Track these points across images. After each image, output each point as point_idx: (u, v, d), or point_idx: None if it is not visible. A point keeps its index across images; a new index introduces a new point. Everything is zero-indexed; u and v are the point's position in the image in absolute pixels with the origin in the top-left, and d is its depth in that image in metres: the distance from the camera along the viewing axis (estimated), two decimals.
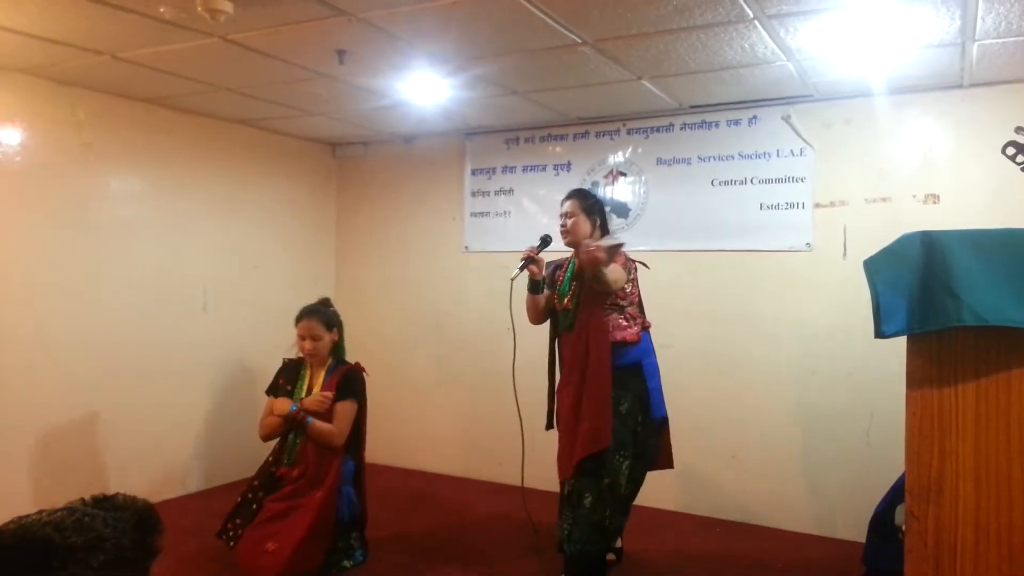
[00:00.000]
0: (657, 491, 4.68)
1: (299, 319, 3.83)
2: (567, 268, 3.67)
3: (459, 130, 5.32)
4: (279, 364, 3.96)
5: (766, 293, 4.42)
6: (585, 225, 3.62)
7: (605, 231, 3.70)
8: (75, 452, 4.23)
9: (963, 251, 1.81)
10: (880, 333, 1.89)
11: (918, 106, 4.07)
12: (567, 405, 3.51)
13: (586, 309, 3.50)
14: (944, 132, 4.03)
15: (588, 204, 3.65)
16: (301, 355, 3.85)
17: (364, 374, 3.86)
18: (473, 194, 5.40)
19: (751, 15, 3.06)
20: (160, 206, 4.67)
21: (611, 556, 3.71)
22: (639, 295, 3.63)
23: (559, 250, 3.72)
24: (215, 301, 4.99)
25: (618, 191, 4.89)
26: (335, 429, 3.66)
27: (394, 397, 5.44)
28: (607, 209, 3.79)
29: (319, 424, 3.64)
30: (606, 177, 4.94)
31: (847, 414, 4.18)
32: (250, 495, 3.75)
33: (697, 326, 4.60)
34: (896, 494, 3.02)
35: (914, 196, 4.07)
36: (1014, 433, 1.78)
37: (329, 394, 3.70)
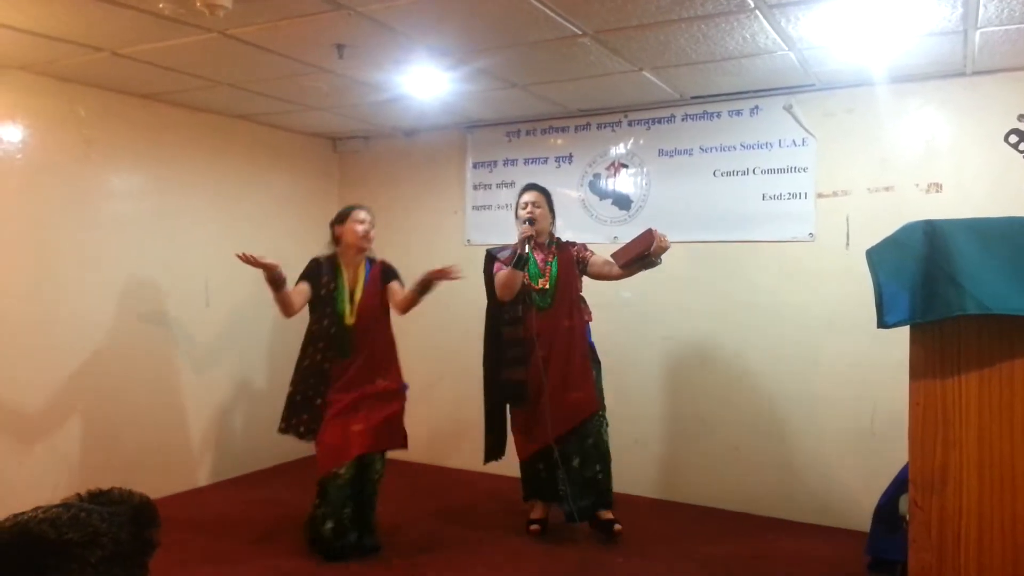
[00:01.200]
0: (659, 482, 4.70)
1: (354, 208, 3.89)
2: (528, 252, 3.94)
3: (460, 124, 5.31)
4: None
5: (769, 284, 4.41)
6: (547, 218, 4.02)
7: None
8: (79, 448, 4.24)
9: (966, 240, 1.79)
10: (883, 323, 1.88)
11: (920, 95, 4.05)
12: (555, 376, 3.85)
13: (567, 292, 3.95)
14: (947, 120, 4.01)
15: (551, 200, 4.06)
16: (357, 242, 3.81)
17: None
18: (475, 187, 5.39)
19: (752, 5, 3.04)
20: (162, 202, 4.68)
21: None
22: None
23: None
24: (218, 297, 4.99)
25: (620, 183, 4.88)
26: (405, 302, 3.82)
27: None
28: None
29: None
30: (608, 169, 4.93)
31: (850, 404, 4.17)
32: (310, 393, 3.73)
33: (699, 317, 4.59)
34: (900, 484, 3.02)
35: (917, 185, 4.05)
36: (1018, 422, 1.77)
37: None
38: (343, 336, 3.77)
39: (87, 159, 4.26)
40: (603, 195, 4.93)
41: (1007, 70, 3.79)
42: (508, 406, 4.04)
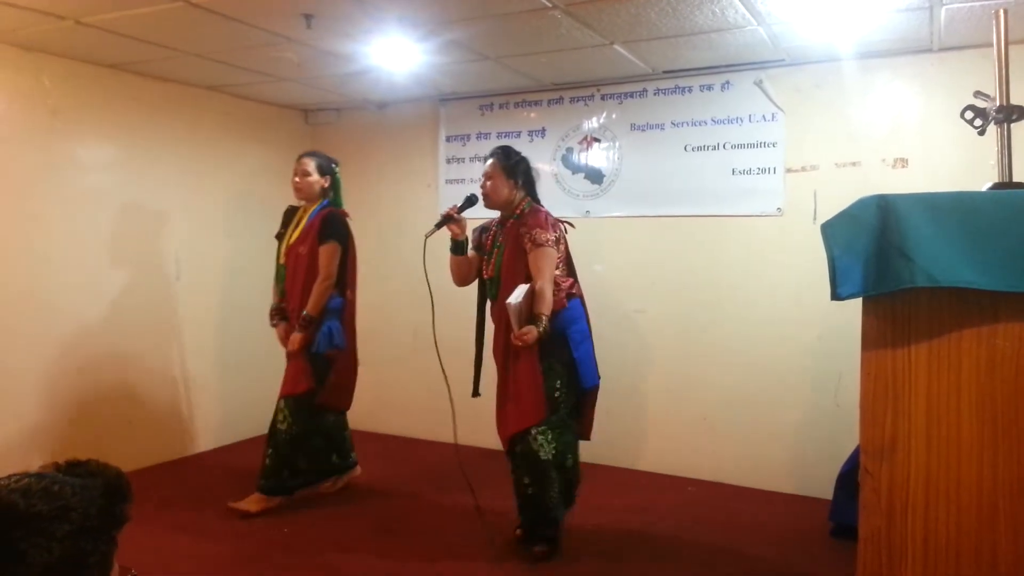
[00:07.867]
0: (628, 452, 4.77)
1: (298, 159, 4.16)
2: (494, 233, 3.56)
3: (433, 96, 5.28)
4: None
5: (738, 258, 4.46)
6: (504, 188, 3.49)
7: (530, 194, 3.57)
8: (49, 421, 4.22)
9: (917, 214, 1.84)
10: (836, 295, 1.92)
11: (888, 70, 4.09)
12: (499, 372, 3.48)
13: (507, 280, 3.37)
14: (913, 96, 4.06)
15: (509, 164, 3.51)
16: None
17: (347, 218, 4.17)
18: (448, 161, 5.38)
19: None
20: (130, 174, 4.62)
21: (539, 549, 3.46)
22: (567, 256, 3.54)
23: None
24: (188, 270, 4.96)
25: (592, 157, 4.90)
26: (322, 274, 4.00)
27: (371, 364, 5.42)
28: (536, 168, 3.67)
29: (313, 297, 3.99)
30: (580, 143, 4.94)
31: (816, 375, 4.25)
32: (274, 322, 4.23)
33: (670, 290, 4.65)
34: None
35: (883, 160, 4.10)
36: (964, 392, 1.83)
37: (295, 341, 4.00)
38: (280, 275, 4.15)
39: (53, 130, 4.20)
40: (576, 169, 4.95)
41: (971, 47, 3.83)
42: None
